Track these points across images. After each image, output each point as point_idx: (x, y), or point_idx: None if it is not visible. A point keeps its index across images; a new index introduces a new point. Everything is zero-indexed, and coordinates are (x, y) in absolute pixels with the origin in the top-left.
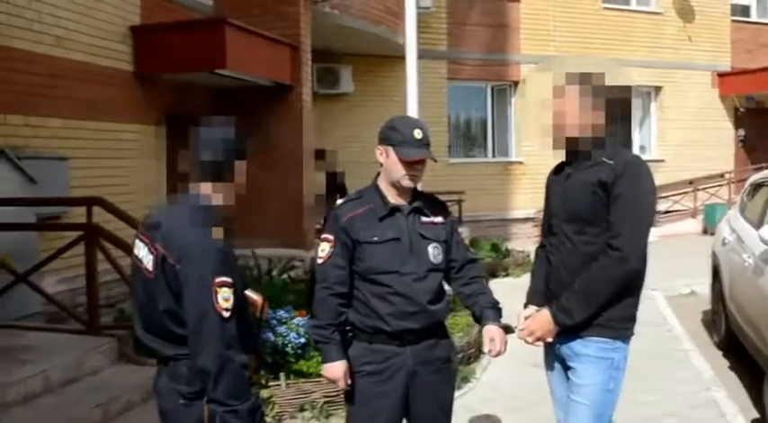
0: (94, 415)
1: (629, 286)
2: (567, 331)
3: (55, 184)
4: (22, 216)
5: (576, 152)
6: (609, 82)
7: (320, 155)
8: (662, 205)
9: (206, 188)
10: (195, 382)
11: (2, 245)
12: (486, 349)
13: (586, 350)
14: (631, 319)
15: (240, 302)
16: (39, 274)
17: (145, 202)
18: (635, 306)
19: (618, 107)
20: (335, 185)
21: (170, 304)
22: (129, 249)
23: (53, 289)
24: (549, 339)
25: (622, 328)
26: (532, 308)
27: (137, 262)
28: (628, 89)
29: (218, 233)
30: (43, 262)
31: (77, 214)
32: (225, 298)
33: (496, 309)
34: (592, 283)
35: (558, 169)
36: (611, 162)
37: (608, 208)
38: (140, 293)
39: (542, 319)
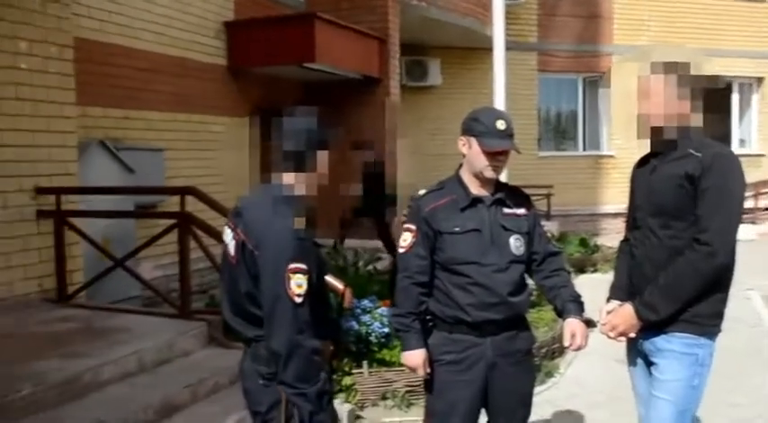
0: (184, 395)
1: (718, 282)
2: (651, 327)
3: (151, 173)
4: (121, 204)
5: (661, 143)
6: (694, 72)
7: (359, 145)
8: (762, 202)
9: (288, 178)
10: (273, 363)
11: (102, 232)
12: (566, 343)
13: (670, 346)
14: (719, 316)
15: (317, 289)
16: (135, 260)
17: (235, 191)
18: (723, 302)
19: (705, 97)
20: (376, 185)
21: (249, 287)
22: (219, 237)
23: (149, 274)
24: (632, 335)
25: (709, 325)
26: (615, 302)
27: (225, 248)
28: (715, 79)
29: (298, 222)
30: (139, 248)
31: (172, 203)
32: (298, 284)
33: (578, 302)
34: (678, 278)
35: (643, 161)
36: (698, 154)
37: (695, 201)
38: (227, 278)
39: (625, 313)
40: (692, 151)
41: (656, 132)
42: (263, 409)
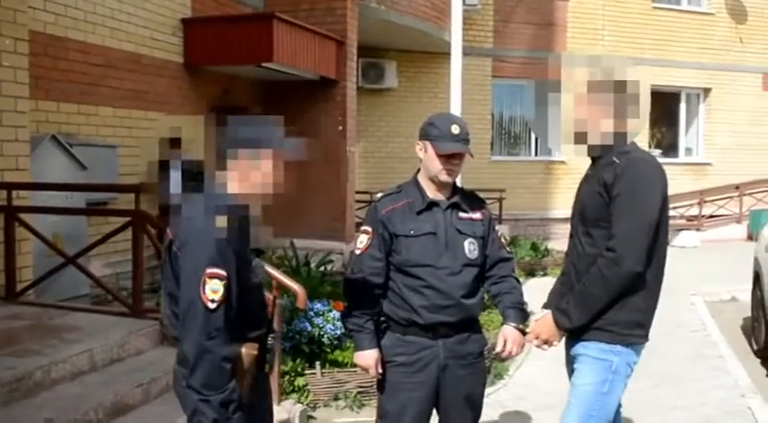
0: (136, 394)
1: (633, 289)
2: (573, 334)
3: (104, 170)
4: (73, 201)
5: (591, 150)
6: (617, 76)
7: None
8: (706, 210)
9: (221, 176)
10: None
11: (53, 228)
12: (498, 349)
13: (585, 350)
14: (637, 325)
15: (245, 292)
16: (86, 257)
17: None
18: (643, 312)
19: (627, 104)
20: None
21: (173, 288)
22: None
23: (100, 272)
24: (556, 343)
25: (625, 334)
26: (545, 311)
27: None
28: (635, 85)
29: (221, 222)
30: (92, 245)
31: (125, 201)
32: (213, 290)
33: (519, 309)
34: (588, 286)
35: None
36: (617, 161)
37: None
38: (166, 279)
39: (545, 322)
40: (614, 159)
41: (579, 138)
42: (187, 413)
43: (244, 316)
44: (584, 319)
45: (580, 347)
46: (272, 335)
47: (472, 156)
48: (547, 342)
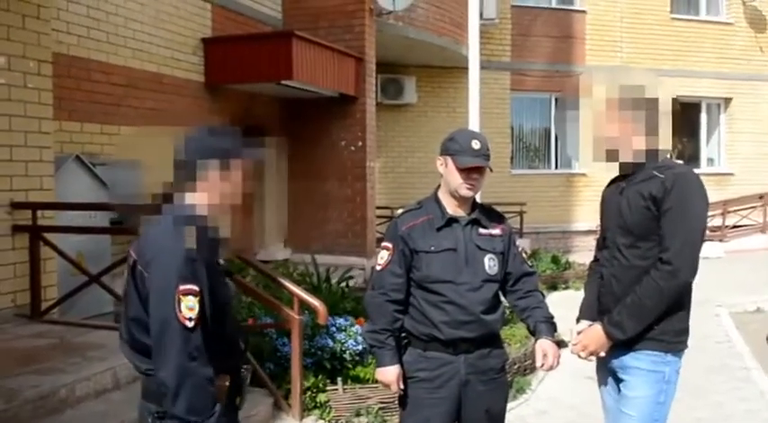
0: None
1: (681, 299)
2: (619, 345)
3: (126, 189)
4: (96, 220)
5: (626, 166)
6: (649, 94)
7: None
8: (730, 220)
9: (189, 188)
10: (163, 397)
11: (77, 247)
12: (538, 364)
13: (637, 363)
14: (684, 332)
15: (216, 315)
16: (110, 275)
17: None
18: (686, 319)
19: (662, 118)
20: None
21: (138, 312)
22: None
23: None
24: (602, 354)
25: (675, 342)
26: (585, 322)
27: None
28: (667, 102)
29: (190, 235)
30: (115, 264)
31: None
32: (189, 307)
33: (550, 323)
34: (643, 298)
35: (613, 182)
36: (661, 176)
37: (659, 222)
38: (126, 305)
39: (595, 333)
40: (655, 173)
41: (611, 155)
42: None
43: (217, 339)
44: (638, 329)
45: (630, 359)
46: (245, 366)
47: (492, 170)
48: (593, 353)
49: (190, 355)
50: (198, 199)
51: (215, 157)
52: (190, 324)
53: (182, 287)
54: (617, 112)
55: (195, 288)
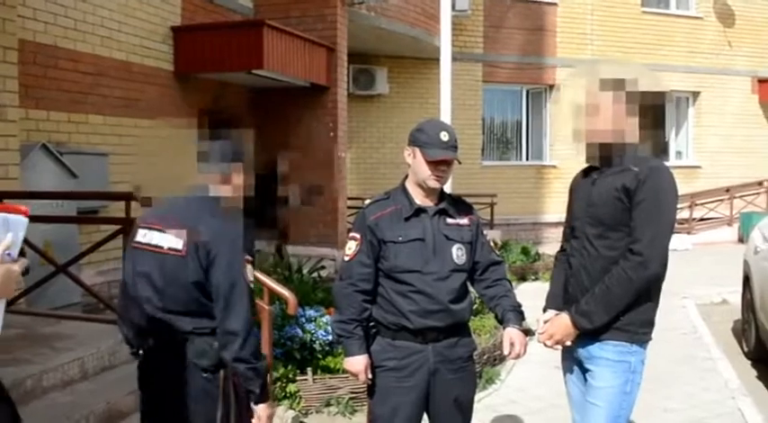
0: (128, 401)
1: (648, 291)
2: (585, 334)
3: (95, 178)
4: (64, 209)
5: (602, 158)
6: (643, 88)
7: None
8: (697, 213)
9: (217, 186)
10: (216, 356)
11: (44, 236)
12: (505, 352)
13: (604, 353)
14: (650, 324)
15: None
16: (78, 265)
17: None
18: (654, 310)
19: (651, 113)
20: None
21: (199, 278)
22: None
23: (91, 280)
24: (569, 343)
25: (640, 333)
26: (552, 312)
27: (149, 248)
28: (661, 96)
29: (239, 219)
30: (83, 254)
31: (116, 209)
32: (250, 272)
33: (518, 311)
34: (612, 288)
35: (584, 174)
36: (635, 169)
37: (630, 213)
38: (156, 274)
39: (561, 322)
40: (630, 166)
41: (603, 148)
42: (203, 407)
43: None
44: (605, 319)
45: (596, 350)
46: None
47: (460, 162)
48: (559, 342)
49: (252, 313)
50: (226, 188)
51: (239, 160)
52: (252, 285)
53: (246, 257)
54: (612, 106)
55: (250, 258)
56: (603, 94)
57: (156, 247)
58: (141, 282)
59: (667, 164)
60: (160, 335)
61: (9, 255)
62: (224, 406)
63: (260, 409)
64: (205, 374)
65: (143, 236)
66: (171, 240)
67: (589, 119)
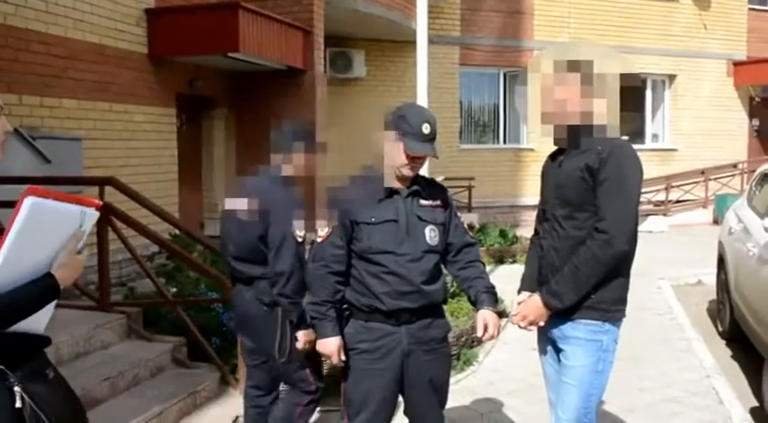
0: (103, 388)
1: (618, 268)
2: (558, 314)
3: (68, 163)
4: None
5: (567, 140)
6: (605, 70)
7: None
8: (673, 195)
9: (284, 165)
10: (271, 290)
11: None
12: (479, 333)
13: (576, 332)
14: (621, 301)
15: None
16: None
17: (157, 182)
18: (625, 288)
19: (613, 94)
20: None
21: (263, 233)
22: (140, 229)
23: None
24: (542, 323)
25: (613, 310)
26: (526, 293)
27: (230, 213)
28: (630, 78)
29: (296, 191)
30: None
31: (90, 194)
32: (299, 229)
33: (491, 293)
34: (579, 267)
35: (553, 157)
36: (598, 148)
37: (595, 192)
38: (235, 232)
39: (533, 303)
40: (596, 146)
41: (569, 130)
42: (266, 330)
43: None
44: (575, 299)
45: (569, 329)
46: None
47: (437, 157)
48: (533, 323)
49: (298, 259)
50: (287, 168)
51: (301, 141)
52: (300, 240)
53: (294, 219)
54: (568, 88)
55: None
56: (558, 75)
57: (235, 211)
58: (226, 238)
59: (644, 146)
60: (240, 276)
61: (81, 247)
62: (281, 330)
63: (299, 335)
64: (265, 307)
65: (229, 204)
66: (245, 205)
67: (545, 101)
